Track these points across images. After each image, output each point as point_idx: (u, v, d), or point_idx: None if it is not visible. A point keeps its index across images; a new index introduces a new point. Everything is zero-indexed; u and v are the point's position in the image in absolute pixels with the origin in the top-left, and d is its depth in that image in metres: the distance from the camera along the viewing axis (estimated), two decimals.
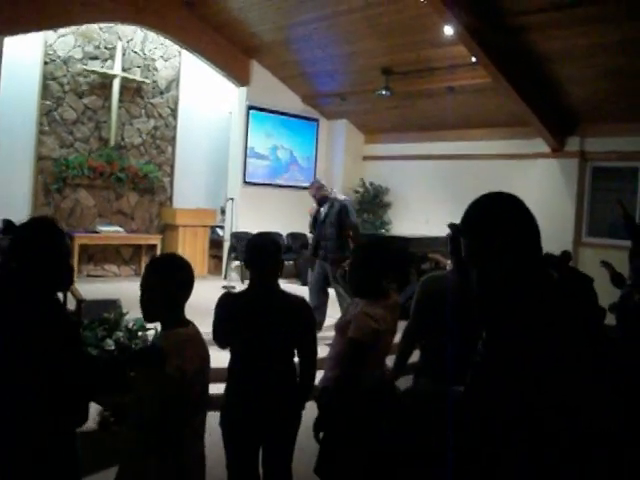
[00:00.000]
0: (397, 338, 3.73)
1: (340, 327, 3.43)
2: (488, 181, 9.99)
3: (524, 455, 1.59)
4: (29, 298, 2.53)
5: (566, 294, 1.73)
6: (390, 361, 3.73)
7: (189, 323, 2.73)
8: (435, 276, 3.76)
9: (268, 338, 3.22)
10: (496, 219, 1.77)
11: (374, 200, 12.66)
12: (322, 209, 7.85)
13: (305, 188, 12.85)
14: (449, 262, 3.85)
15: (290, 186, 12.64)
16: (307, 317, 3.42)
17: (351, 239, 7.68)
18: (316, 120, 13.14)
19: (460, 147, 11.43)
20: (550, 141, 10.02)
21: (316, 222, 7.92)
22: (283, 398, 3.27)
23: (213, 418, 3.40)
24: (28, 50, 9.81)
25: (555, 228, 8.82)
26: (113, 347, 5.19)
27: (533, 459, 1.58)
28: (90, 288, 7.84)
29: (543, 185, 10.10)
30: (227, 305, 3.36)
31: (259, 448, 3.32)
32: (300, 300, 3.47)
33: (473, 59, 8.78)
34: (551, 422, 1.57)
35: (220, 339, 3.39)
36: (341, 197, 8.13)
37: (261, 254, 3.29)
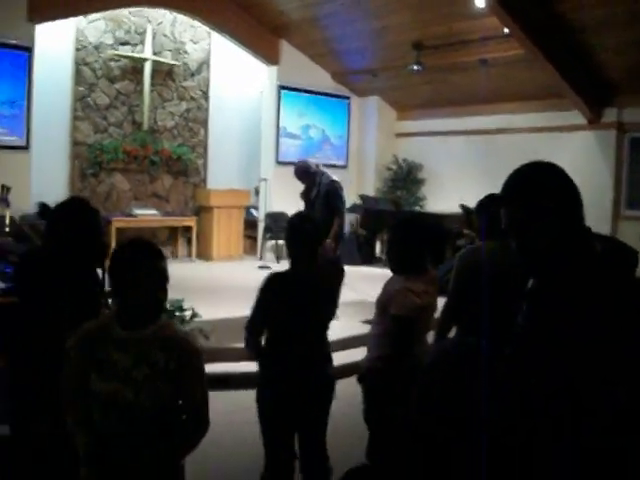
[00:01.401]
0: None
1: (381, 304, 3.41)
2: (523, 155, 9.79)
3: (563, 428, 1.59)
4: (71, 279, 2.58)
5: (609, 265, 1.69)
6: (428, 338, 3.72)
7: None
8: (473, 248, 3.72)
9: (300, 320, 3.24)
10: (540, 186, 1.74)
11: (408, 177, 12.59)
12: (313, 191, 7.31)
13: (339, 166, 12.89)
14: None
15: (323, 164, 12.57)
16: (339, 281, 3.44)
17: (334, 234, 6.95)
18: (347, 98, 13.06)
19: (494, 121, 11.27)
20: (586, 113, 9.83)
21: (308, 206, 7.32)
22: (316, 380, 3.29)
23: (248, 396, 3.44)
24: (60, 37, 9.92)
25: (593, 202, 8.62)
26: None
27: (573, 432, 1.57)
28: None
29: (580, 158, 9.91)
30: (274, 289, 3.34)
31: (294, 428, 3.34)
32: (332, 267, 3.48)
33: (506, 30, 8.63)
34: (591, 395, 1.55)
35: (256, 327, 3.33)
36: (328, 178, 7.44)
37: (300, 235, 3.32)
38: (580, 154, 9.98)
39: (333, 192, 7.23)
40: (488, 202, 3.53)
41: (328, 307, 3.40)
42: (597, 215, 8.25)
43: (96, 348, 2.29)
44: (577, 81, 9.26)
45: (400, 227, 3.57)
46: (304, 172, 7.41)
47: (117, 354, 2.27)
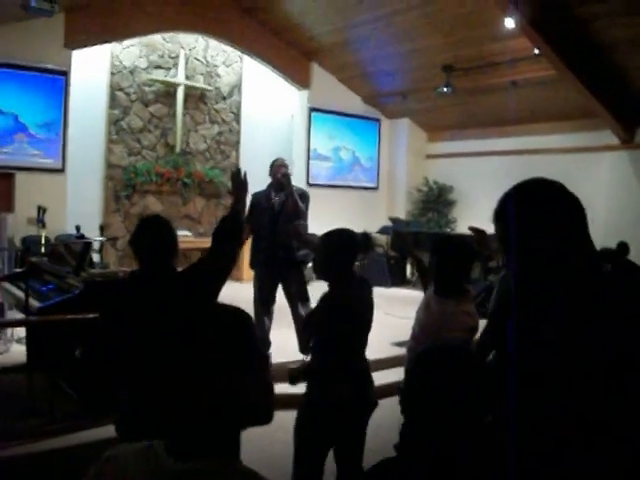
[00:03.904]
0: None
1: (433, 326, 3.33)
2: (555, 176, 9.66)
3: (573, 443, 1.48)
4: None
5: (618, 287, 1.56)
6: None
7: None
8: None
9: (355, 338, 3.27)
10: (533, 201, 1.71)
11: (438, 199, 12.55)
12: (276, 197, 6.27)
13: (369, 188, 12.90)
14: None
15: (354, 187, 12.67)
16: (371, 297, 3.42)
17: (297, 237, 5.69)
18: (378, 120, 13.12)
19: (525, 142, 11.22)
20: (619, 132, 9.74)
21: (254, 216, 6.09)
22: (362, 401, 3.29)
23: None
24: (96, 62, 10.14)
25: (627, 223, 8.58)
26: None
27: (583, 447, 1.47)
28: None
29: (613, 178, 9.82)
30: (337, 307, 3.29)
31: (332, 445, 3.32)
32: (367, 285, 3.45)
33: (536, 51, 8.62)
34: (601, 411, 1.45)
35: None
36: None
37: (351, 251, 3.32)
38: (614, 174, 9.89)
39: (307, 196, 6.74)
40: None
41: (370, 324, 3.39)
42: (632, 234, 8.14)
43: None
44: (609, 100, 9.18)
45: (447, 248, 3.49)
46: (283, 168, 6.40)
47: None
